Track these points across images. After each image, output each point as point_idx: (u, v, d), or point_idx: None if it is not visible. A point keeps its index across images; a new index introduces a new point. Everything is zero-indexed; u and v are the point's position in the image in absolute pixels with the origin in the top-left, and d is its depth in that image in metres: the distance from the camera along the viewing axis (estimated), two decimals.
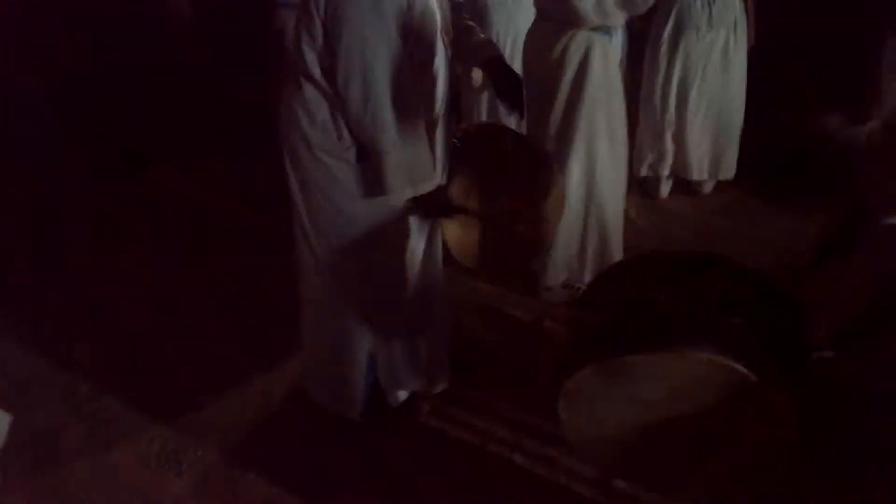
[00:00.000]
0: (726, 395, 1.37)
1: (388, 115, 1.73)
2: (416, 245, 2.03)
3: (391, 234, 1.97)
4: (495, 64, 1.96)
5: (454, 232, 1.98)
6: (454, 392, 2.38)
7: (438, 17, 1.82)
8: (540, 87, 2.56)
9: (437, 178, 1.94)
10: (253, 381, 2.51)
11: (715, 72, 3.25)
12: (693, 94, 3.26)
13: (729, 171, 3.47)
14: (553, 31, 2.52)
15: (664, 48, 3.23)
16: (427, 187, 1.87)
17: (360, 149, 1.82)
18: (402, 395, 2.30)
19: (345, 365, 2.17)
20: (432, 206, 1.92)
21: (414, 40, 1.75)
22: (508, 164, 2.00)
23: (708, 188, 3.58)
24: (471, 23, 2.08)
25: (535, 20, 2.66)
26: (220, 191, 3.91)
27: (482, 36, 2.06)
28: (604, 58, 2.51)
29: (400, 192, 1.83)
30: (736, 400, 1.36)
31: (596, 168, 2.62)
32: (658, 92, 3.27)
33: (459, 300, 2.69)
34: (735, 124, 3.40)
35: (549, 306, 2.78)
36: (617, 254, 2.81)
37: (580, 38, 2.48)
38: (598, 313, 1.58)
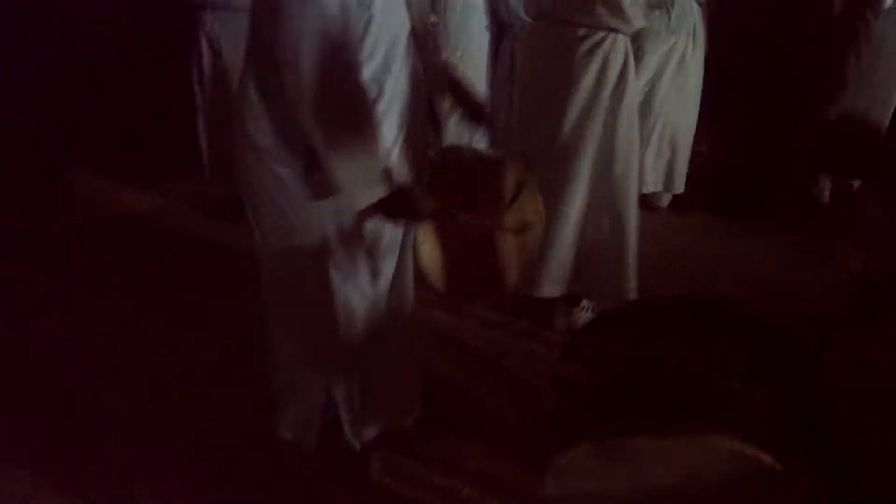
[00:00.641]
0: (745, 483, 1.18)
1: (330, 106, 1.53)
2: (386, 269, 1.83)
3: (348, 256, 1.76)
4: (459, 89, 1.91)
5: (429, 251, 1.76)
6: (411, 441, 2.14)
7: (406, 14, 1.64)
8: (547, 95, 2.36)
9: (403, 178, 1.74)
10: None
11: (671, 80, 3.13)
12: (655, 102, 3.12)
13: (680, 184, 3.38)
14: (573, 37, 2.28)
15: None
16: (386, 189, 1.65)
17: (308, 154, 1.60)
18: (369, 433, 2.05)
19: (300, 392, 1.96)
20: (399, 206, 1.69)
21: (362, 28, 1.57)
22: (483, 176, 1.85)
23: (665, 202, 3.47)
24: (434, 25, 1.92)
25: (535, 26, 2.44)
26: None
27: (440, 55, 1.94)
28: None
29: (352, 190, 1.61)
30: (755, 489, 1.18)
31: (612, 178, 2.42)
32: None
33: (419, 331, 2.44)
34: (689, 136, 3.31)
35: (512, 338, 2.58)
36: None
37: (620, 44, 2.27)
38: (594, 371, 1.38)
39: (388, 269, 1.83)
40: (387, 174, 1.64)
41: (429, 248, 1.75)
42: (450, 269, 1.78)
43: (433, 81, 1.85)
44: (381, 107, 1.63)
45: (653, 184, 3.33)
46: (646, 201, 3.43)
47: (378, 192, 1.63)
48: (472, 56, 3.04)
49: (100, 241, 3.36)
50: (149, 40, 3.78)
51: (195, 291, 2.91)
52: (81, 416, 2.27)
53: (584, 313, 2.65)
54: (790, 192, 3.55)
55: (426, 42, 1.75)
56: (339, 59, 1.52)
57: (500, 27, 3.24)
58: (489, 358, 2.52)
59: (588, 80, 2.29)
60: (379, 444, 2.08)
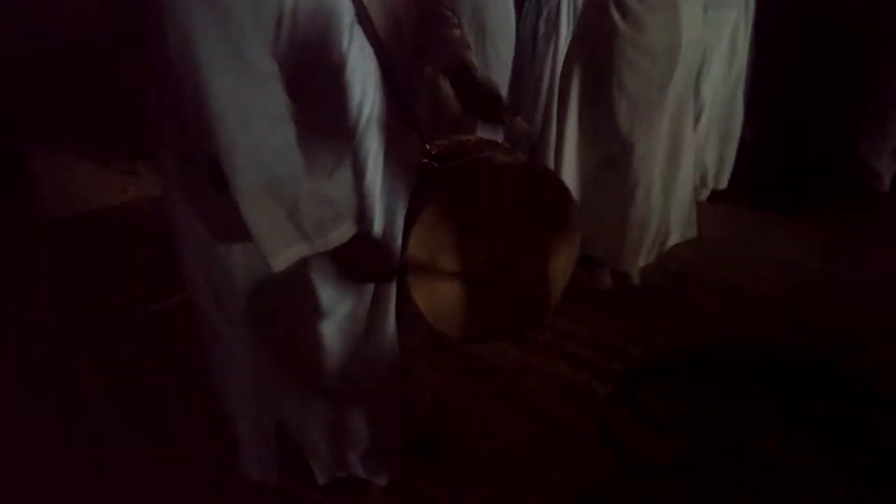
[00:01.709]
0: None
1: (238, 134, 1.17)
2: (354, 309, 1.47)
3: (292, 296, 1.42)
4: (458, 71, 1.43)
5: (426, 290, 1.41)
6: (420, 483, 1.81)
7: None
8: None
9: (372, 222, 1.39)
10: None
11: (721, 62, 2.75)
12: (704, 86, 2.75)
13: (724, 179, 3.03)
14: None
15: None
16: (339, 237, 1.30)
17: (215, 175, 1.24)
18: (323, 476, 1.76)
19: (245, 425, 1.66)
20: (353, 263, 1.34)
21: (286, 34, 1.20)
22: (506, 198, 1.42)
23: (703, 195, 3.11)
24: (446, 11, 1.50)
25: None
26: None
27: (454, 31, 1.49)
28: None
29: (280, 252, 1.25)
30: None
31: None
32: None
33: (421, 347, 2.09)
34: (738, 123, 2.94)
35: (533, 355, 2.24)
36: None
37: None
38: (658, 433, 1.03)
39: (343, 309, 1.46)
40: (334, 218, 1.28)
41: (424, 286, 1.39)
42: (461, 316, 1.43)
43: (436, 65, 1.47)
44: (316, 122, 1.26)
45: (699, 178, 2.99)
46: None
47: (305, 249, 1.27)
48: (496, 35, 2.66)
49: (69, 239, 3.02)
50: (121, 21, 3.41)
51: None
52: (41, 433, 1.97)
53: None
54: (845, 180, 3.16)
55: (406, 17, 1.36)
56: (242, 55, 1.14)
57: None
58: (508, 380, 2.18)
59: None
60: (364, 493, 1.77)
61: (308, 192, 1.24)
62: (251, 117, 1.17)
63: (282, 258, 1.26)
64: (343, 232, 1.30)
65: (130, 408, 2.09)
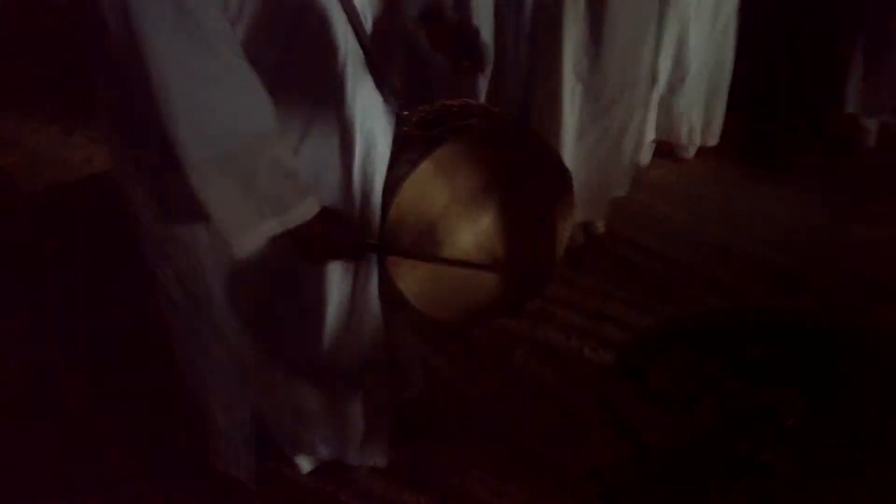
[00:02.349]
0: None
1: (182, 100, 1.04)
2: (333, 288, 1.36)
3: (269, 278, 1.32)
4: (431, 16, 1.32)
5: (408, 269, 1.30)
6: (404, 465, 1.73)
7: None
8: None
9: (334, 198, 1.26)
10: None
11: (707, 14, 2.64)
12: (690, 41, 2.64)
13: (715, 135, 2.94)
14: None
15: None
16: (300, 214, 1.16)
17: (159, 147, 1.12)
18: (309, 462, 1.70)
19: (222, 419, 1.56)
20: (319, 243, 1.21)
21: None
22: (494, 167, 1.31)
23: (691, 152, 3.01)
24: None
25: None
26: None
27: None
28: None
29: (240, 233, 1.13)
30: None
31: None
32: (650, 42, 2.61)
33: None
34: (727, 76, 2.84)
35: (520, 326, 2.15)
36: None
37: None
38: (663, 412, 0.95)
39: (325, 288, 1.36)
40: (295, 193, 1.14)
41: (408, 270, 1.28)
42: (451, 300, 1.33)
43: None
44: (277, 76, 1.13)
45: (686, 135, 2.88)
46: (670, 152, 2.99)
47: (273, 227, 1.14)
48: None
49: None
50: None
51: None
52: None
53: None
54: (832, 135, 3.08)
55: None
56: (186, 11, 0.99)
57: None
58: (494, 354, 2.09)
59: None
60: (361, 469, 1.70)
61: (267, 163, 1.11)
62: (197, 82, 1.04)
63: (243, 240, 1.13)
64: (305, 208, 1.16)
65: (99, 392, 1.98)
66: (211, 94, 1.05)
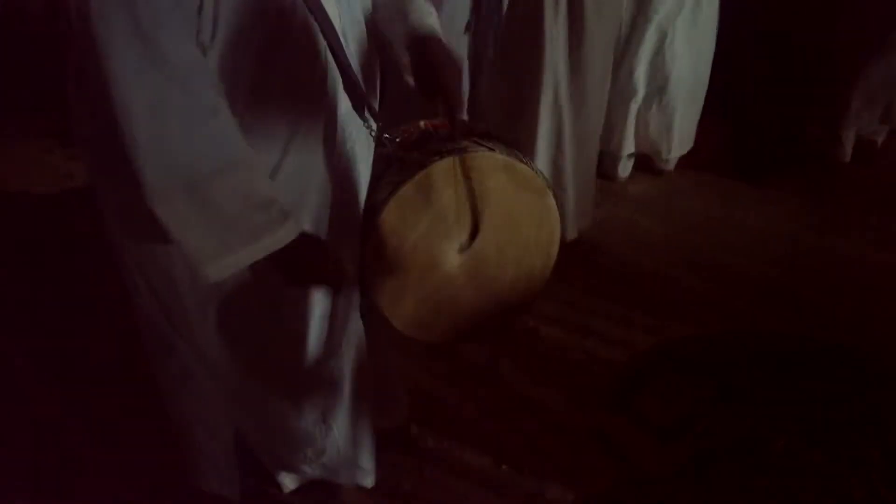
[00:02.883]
0: None
1: (146, 127, 1.02)
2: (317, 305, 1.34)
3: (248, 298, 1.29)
4: (421, 45, 1.25)
5: (391, 292, 1.30)
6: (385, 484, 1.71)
7: None
8: None
9: (315, 220, 1.25)
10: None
11: (685, 27, 2.66)
12: (667, 53, 2.65)
13: (687, 144, 2.96)
14: None
15: None
16: (275, 241, 1.12)
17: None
18: (292, 480, 1.68)
19: (204, 438, 1.53)
20: (304, 270, 1.20)
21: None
22: (478, 189, 1.30)
23: (672, 164, 3.03)
24: None
25: None
26: None
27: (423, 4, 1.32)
28: None
29: (208, 263, 1.10)
30: None
31: None
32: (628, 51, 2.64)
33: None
34: (701, 91, 2.87)
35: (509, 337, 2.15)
36: None
37: None
38: (659, 442, 0.95)
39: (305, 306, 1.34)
40: (268, 221, 1.10)
41: (387, 293, 1.28)
42: (428, 310, 1.32)
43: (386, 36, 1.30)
44: (254, 98, 1.11)
45: (665, 148, 2.90)
46: (650, 164, 3.01)
47: (242, 257, 1.10)
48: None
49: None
50: None
51: None
52: None
53: None
54: (808, 149, 3.13)
55: None
56: (152, 40, 0.97)
57: None
58: (480, 369, 2.08)
59: None
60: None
61: (234, 192, 1.08)
62: (161, 112, 1.01)
63: (211, 269, 1.10)
64: (280, 236, 1.12)
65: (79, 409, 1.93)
66: (175, 124, 1.03)
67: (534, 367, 2.08)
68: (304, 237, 1.15)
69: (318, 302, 1.33)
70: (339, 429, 1.51)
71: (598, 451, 0.95)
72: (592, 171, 2.54)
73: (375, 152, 1.30)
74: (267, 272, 1.19)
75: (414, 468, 1.79)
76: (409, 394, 1.84)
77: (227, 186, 1.06)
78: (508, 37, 2.18)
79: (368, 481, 1.62)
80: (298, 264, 1.16)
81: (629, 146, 2.85)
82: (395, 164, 1.28)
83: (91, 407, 1.93)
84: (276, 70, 1.11)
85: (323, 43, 1.13)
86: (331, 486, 1.68)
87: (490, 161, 1.30)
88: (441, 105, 1.24)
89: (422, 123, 1.38)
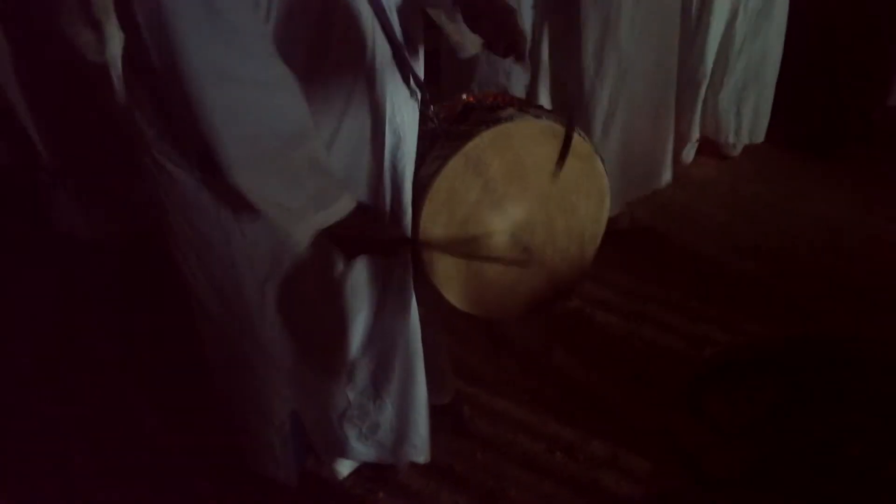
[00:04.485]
0: None
1: (217, 99, 1.03)
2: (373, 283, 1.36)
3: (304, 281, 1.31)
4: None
5: (443, 267, 1.29)
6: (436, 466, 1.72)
7: None
8: None
9: (365, 195, 1.26)
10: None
11: (756, 11, 2.54)
12: (736, 34, 2.54)
13: (761, 133, 2.82)
14: None
15: None
16: (339, 209, 1.17)
17: (202, 154, 1.12)
18: (346, 466, 1.71)
19: (259, 424, 1.56)
20: (359, 243, 1.24)
21: None
22: (526, 160, 1.29)
23: (738, 149, 2.92)
24: None
25: None
26: None
27: None
28: None
29: (294, 228, 1.15)
30: None
31: None
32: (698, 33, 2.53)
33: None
34: (774, 73, 2.72)
35: (559, 322, 2.13)
36: None
37: None
38: (732, 444, 0.93)
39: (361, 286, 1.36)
40: (333, 188, 1.15)
41: (439, 267, 1.28)
42: (480, 284, 1.32)
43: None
44: (308, 73, 1.11)
45: (732, 132, 2.78)
46: (714, 148, 2.89)
47: (321, 220, 1.15)
48: None
49: None
50: None
51: None
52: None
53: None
54: (877, 129, 2.96)
55: None
56: (216, 9, 0.98)
57: None
58: (532, 355, 2.07)
59: None
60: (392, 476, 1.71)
61: (306, 160, 1.11)
62: (234, 83, 1.03)
63: (299, 234, 1.14)
64: (343, 205, 1.16)
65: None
66: (248, 94, 1.05)
67: (589, 354, 2.05)
68: (361, 207, 1.18)
69: (372, 276, 1.35)
70: (393, 403, 1.52)
71: (661, 447, 0.92)
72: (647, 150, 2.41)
73: (421, 126, 1.30)
74: (323, 248, 1.22)
75: (466, 451, 1.80)
76: (459, 375, 1.84)
77: (300, 154, 1.10)
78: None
79: (422, 458, 1.63)
80: (357, 234, 1.19)
81: (696, 131, 2.75)
82: (442, 138, 1.28)
83: (157, 390, 1.99)
84: (328, 44, 1.12)
85: (372, 15, 1.13)
86: (384, 469, 1.70)
87: (536, 128, 1.28)
88: (501, 48, 1.22)
89: (464, 96, 1.38)
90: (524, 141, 1.27)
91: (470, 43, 1.36)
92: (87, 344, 2.16)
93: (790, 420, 0.86)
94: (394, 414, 1.54)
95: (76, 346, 2.17)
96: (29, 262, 2.43)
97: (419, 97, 1.28)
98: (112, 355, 2.12)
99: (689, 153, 2.85)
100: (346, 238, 1.20)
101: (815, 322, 2.08)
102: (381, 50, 1.17)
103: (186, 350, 1.74)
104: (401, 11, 1.20)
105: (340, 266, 1.30)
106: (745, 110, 2.73)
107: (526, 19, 2.12)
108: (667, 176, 2.49)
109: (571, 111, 2.19)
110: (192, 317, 1.44)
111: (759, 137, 2.82)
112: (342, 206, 1.16)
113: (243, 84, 1.04)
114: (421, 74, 1.29)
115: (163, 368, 2.04)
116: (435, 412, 1.65)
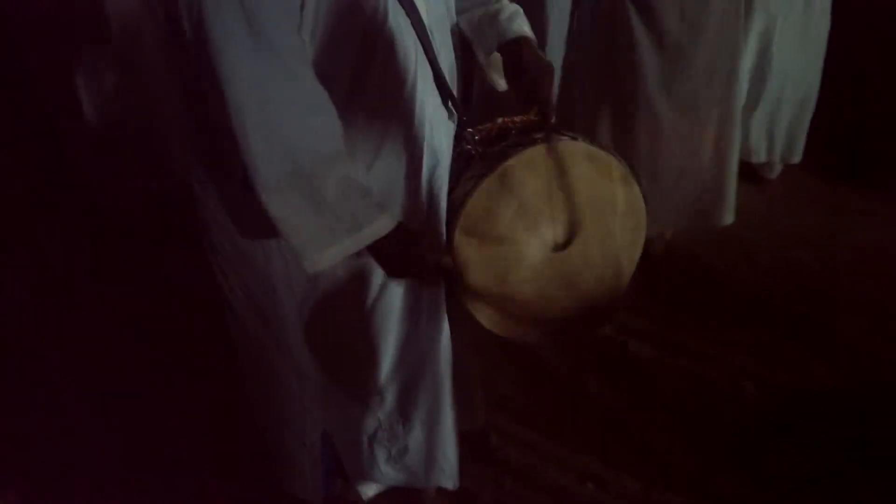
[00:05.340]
0: None
1: (256, 118, 1.05)
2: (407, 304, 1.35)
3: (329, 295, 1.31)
4: (513, 47, 1.28)
5: (480, 292, 1.28)
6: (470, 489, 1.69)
7: None
8: None
9: (401, 216, 1.25)
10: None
11: (793, 26, 2.49)
12: (773, 55, 2.50)
13: (799, 152, 2.75)
14: None
15: None
16: (375, 231, 1.16)
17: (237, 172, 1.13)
18: (372, 489, 1.69)
19: (290, 443, 1.55)
20: (403, 261, 1.23)
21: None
22: (560, 182, 1.27)
23: (776, 172, 2.86)
24: None
25: None
26: None
27: (505, 6, 1.34)
28: None
29: (314, 253, 1.14)
30: None
31: None
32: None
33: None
34: (813, 94, 2.66)
35: (593, 350, 2.08)
36: None
37: None
38: None
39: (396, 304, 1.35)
40: (369, 211, 1.14)
41: (471, 288, 1.26)
42: (525, 319, 1.32)
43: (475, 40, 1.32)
44: (351, 94, 1.13)
45: (766, 152, 2.72)
46: (753, 173, 2.82)
47: (348, 246, 1.14)
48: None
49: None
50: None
51: None
52: None
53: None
54: None
55: None
56: (260, 31, 1.00)
57: None
58: (567, 383, 2.02)
59: None
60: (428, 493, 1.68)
61: (338, 183, 1.11)
62: (270, 102, 1.04)
63: (317, 258, 1.13)
64: (380, 225, 1.16)
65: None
66: (284, 113, 1.06)
67: (623, 385, 2.01)
68: (402, 227, 1.18)
69: (405, 297, 1.34)
70: (422, 426, 1.50)
71: (697, 490, 0.88)
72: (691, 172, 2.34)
73: (456, 148, 1.31)
74: (360, 266, 1.23)
75: (495, 479, 1.76)
76: (489, 403, 1.81)
77: (331, 176, 1.10)
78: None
79: (451, 483, 1.60)
80: (398, 254, 1.19)
81: None
82: (477, 159, 1.28)
83: (188, 406, 2.00)
84: (372, 68, 1.13)
85: (415, 39, 1.14)
86: (412, 491, 1.67)
87: (572, 149, 1.27)
88: (532, 106, 1.27)
89: (500, 120, 1.37)
90: (560, 161, 1.26)
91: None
92: (113, 345, 2.19)
93: (850, 482, 0.80)
94: (423, 437, 1.52)
95: (101, 345, 2.19)
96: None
97: (456, 119, 1.29)
98: (138, 356, 2.15)
99: None
100: (391, 257, 1.20)
101: (866, 361, 2.00)
102: (423, 72, 1.17)
103: (215, 354, 1.75)
104: (442, 36, 1.22)
105: (376, 289, 1.30)
106: (779, 130, 2.67)
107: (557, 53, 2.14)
108: (727, 214, 2.37)
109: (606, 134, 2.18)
110: (226, 328, 1.44)
111: (795, 158, 2.75)
112: (378, 227, 1.15)
113: (280, 103, 1.05)
114: (459, 97, 1.29)
115: (190, 373, 2.05)
116: (465, 439, 1.62)
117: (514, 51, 1.27)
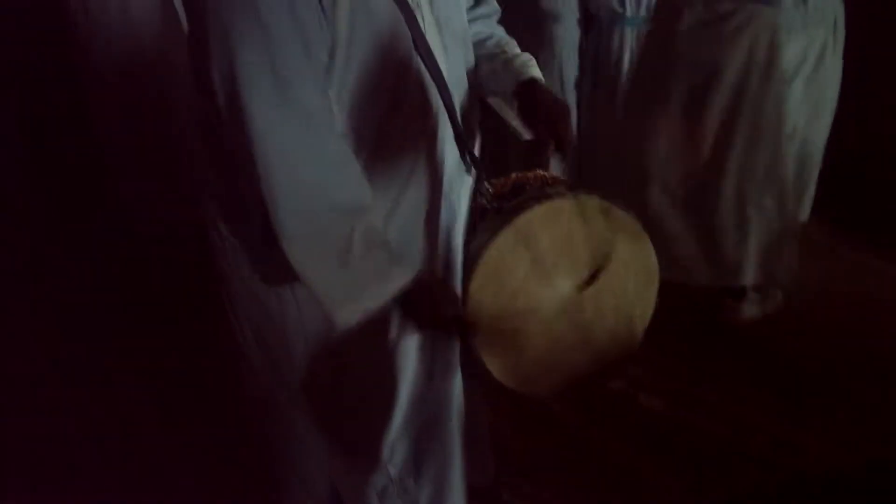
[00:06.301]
0: None
1: (281, 173, 1.07)
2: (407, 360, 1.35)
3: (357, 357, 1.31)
4: (526, 86, 1.30)
5: (489, 341, 1.27)
6: None
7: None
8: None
9: (431, 267, 1.28)
10: None
11: (807, 85, 2.52)
12: (786, 111, 2.52)
13: (806, 211, 2.75)
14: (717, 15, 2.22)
15: None
16: (397, 285, 1.17)
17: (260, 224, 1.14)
18: None
19: (300, 493, 1.54)
20: (419, 311, 1.23)
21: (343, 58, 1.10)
22: (574, 237, 1.29)
23: None
24: (503, 36, 1.41)
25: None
26: None
27: (518, 53, 1.38)
28: None
29: (342, 308, 1.15)
30: None
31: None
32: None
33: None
34: (821, 152, 2.67)
35: (604, 402, 2.07)
36: None
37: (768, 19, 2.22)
38: None
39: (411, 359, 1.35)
40: (392, 264, 1.16)
41: (486, 341, 1.27)
42: (538, 372, 1.32)
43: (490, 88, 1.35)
44: (377, 146, 1.16)
45: None
46: None
47: (375, 299, 1.16)
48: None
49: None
50: None
51: None
52: None
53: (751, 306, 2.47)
54: None
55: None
56: (287, 88, 1.04)
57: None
58: (573, 432, 2.00)
59: (738, 59, 2.22)
60: None
61: (364, 238, 1.12)
62: (297, 158, 1.07)
63: (346, 314, 1.14)
64: (404, 277, 1.17)
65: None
66: (310, 169, 1.08)
67: (634, 439, 1.99)
68: (420, 282, 1.19)
69: (419, 349, 1.34)
70: (433, 479, 1.48)
71: None
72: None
73: (473, 201, 1.33)
74: (374, 317, 1.21)
75: None
76: (499, 455, 1.79)
77: (356, 231, 1.11)
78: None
79: None
80: (424, 304, 1.20)
81: None
82: (493, 212, 1.30)
83: (195, 444, 1.99)
84: (397, 123, 1.16)
85: (437, 95, 1.18)
86: None
87: (587, 204, 1.28)
88: (550, 145, 1.27)
89: (514, 175, 1.39)
90: (574, 217, 1.27)
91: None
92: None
93: None
94: (433, 489, 1.50)
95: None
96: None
97: (473, 173, 1.31)
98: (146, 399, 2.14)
99: None
100: (409, 304, 1.21)
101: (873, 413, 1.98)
102: (444, 127, 1.21)
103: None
104: (460, 92, 1.26)
105: (391, 341, 1.30)
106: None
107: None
108: (749, 272, 2.39)
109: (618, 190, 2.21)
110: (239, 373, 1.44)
111: (803, 216, 2.74)
112: (400, 281, 1.17)
113: (306, 159, 1.08)
114: (477, 152, 1.33)
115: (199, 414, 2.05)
116: (475, 494, 1.60)
117: (528, 90, 1.30)
